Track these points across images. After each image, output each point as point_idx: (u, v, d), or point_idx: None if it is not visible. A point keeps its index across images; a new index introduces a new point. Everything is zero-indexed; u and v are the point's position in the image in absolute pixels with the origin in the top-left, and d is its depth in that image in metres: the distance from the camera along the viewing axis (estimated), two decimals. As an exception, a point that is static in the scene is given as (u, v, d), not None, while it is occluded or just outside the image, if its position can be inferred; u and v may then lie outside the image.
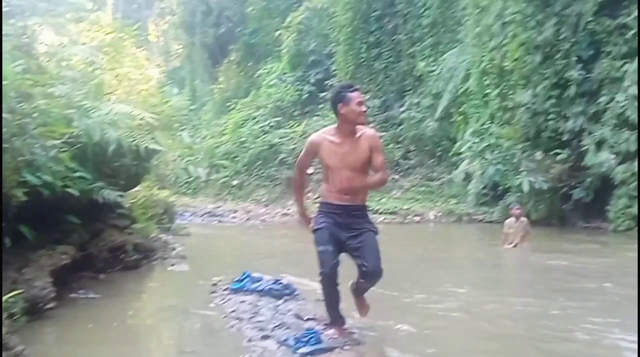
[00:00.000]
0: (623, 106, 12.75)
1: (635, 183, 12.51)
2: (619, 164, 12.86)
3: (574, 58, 14.01)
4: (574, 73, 13.93)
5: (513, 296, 6.55)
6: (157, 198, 11.92)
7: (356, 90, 4.27)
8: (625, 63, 13.00)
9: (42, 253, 5.33)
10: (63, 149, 5.39)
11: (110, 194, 6.43)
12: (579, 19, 13.92)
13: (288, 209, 20.04)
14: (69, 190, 5.51)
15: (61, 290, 5.46)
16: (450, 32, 20.35)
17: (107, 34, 11.28)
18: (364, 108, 4.22)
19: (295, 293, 6.20)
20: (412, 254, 10.20)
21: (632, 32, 12.87)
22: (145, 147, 7.11)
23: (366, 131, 4.30)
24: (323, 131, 4.39)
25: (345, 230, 4.26)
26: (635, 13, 12.74)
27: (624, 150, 12.75)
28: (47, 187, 5.06)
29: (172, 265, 8.33)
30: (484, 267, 9.43)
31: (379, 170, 4.26)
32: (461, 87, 18.31)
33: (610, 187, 13.30)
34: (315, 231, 4.29)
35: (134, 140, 6.87)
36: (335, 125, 4.31)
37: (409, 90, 22.52)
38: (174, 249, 9.47)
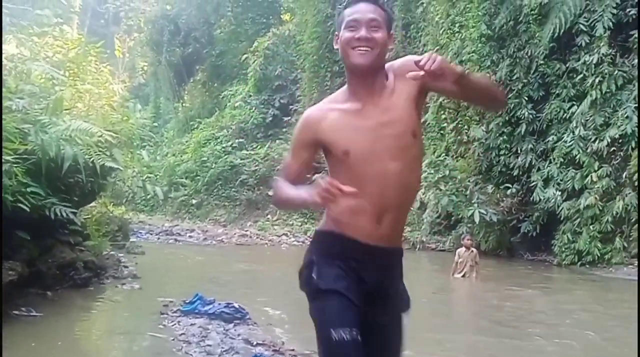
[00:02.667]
0: (569, 146, 13.35)
1: (579, 219, 13.01)
2: (564, 200, 13.38)
3: (526, 98, 14.64)
4: (525, 112, 14.58)
5: (449, 332, 6.62)
6: (113, 215, 11.91)
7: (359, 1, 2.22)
8: (572, 105, 13.68)
9: (-13, 269, 5.22)
10: (16, 164, 5.32)
11: (62, 211, 6.34)
12: (531, 61, 14.61)
13: (246, 230, 20.09)
14: (20, 205, 5.43)
15: (5, 307, 5.35)
16: (411, 66, 20.85)
17: (71, 49, 11.26)
18: (361, 32, 2.15)
19: (247, 317, 6.25)
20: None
21: (580, 76, 13.55)
22: (102, 164, 7.05)
23: (393, 67, 2.26)
24: (326, 100, 2.35)
25: (367, 294, 2.23)
26: (584, 59, 13.39)
27: (569, 187, 13.30)
28: (-4, 202, 4.93)
29: (124, 284, 8.28)
30: (429, 297, 9.64)
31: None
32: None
33: (555, 222, 13.78)
34: (317, 294, 2.20)
35: (91, 158, 6.78)
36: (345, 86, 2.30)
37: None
38: (126, 267, 9.44)
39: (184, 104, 32.80)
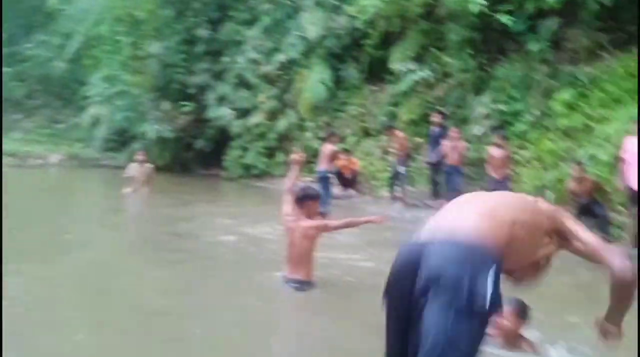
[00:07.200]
0: (242, 68, 14.19)
1: (248, 137, 14.08)
2: (236, 119, 14.30)
3: (204, 18, 15.04)
4: (203, 32, 14.97)
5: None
6: None
7: None
8: (246, 29, 14.43)
9: None
10: None
11: None
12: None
13: None
14: None
15: None
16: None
17: None
18: None
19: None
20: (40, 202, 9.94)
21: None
22: None
23: None
24: None
25: None
26: None
27: (240, 107, 14.24)
28: None
29: None
30: (99, 213, 9.60)
31: None
32: (93, 31, 17.85)
33: (227, 139, 14.69)
34: None
35: None
36: None
37: (37, 26, 21.04)
38: None
39: None
